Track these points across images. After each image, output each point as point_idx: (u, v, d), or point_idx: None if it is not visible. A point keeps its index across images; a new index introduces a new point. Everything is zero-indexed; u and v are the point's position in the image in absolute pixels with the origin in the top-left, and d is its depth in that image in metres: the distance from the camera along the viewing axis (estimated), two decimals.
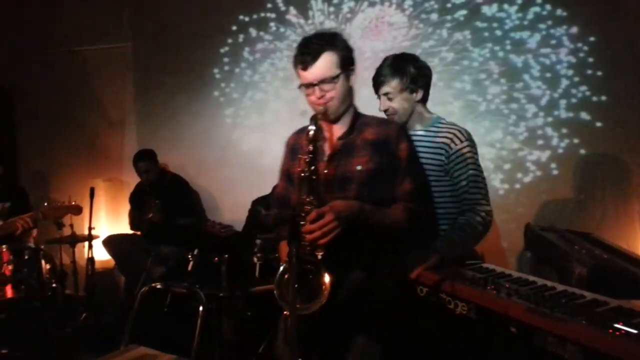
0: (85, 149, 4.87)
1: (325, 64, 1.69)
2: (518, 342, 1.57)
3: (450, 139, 2.07)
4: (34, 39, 4.88)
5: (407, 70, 2.10)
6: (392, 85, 2.11)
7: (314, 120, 1.66)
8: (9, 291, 3.37)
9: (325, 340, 1.66)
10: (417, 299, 1.83)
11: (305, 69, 1.71)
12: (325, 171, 1.74)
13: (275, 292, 1.64)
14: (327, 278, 1.56)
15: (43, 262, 3.74)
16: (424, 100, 2.18)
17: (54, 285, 3.80)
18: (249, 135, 4.35)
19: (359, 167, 1.72)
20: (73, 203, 3.13)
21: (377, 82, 2.16)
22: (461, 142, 2.06)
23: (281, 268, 1.64)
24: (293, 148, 1.90)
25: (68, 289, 4.12)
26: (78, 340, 3.72)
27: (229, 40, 4.36)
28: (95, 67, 4.78)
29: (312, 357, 1.65)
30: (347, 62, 1.73)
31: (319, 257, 1.57)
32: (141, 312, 2.69)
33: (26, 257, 3.67)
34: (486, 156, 3.52)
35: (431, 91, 2.20)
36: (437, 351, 1.85)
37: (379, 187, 1.73)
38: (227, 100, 4.43)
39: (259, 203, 3.69)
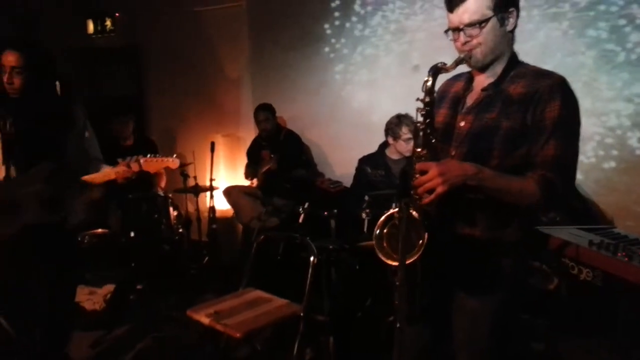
0: (205, 105, 5.16)
1: (473, 5, 1.51)
2: None
3: None
4: (158, 1, 5.19)
5: None
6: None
7: (432, 70, 1.51)
8: None
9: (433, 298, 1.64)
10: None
11: (451, 10, 1.56)
12: (462, 124, 1.62)
13: (374, 243, 1.59)
14: (422, 233, 1.49)
15: (171, 209, 4.13)
16: None
17: (180, 230, 4.19)
18: (359, 91, 4.32)
19: (495, 125, 1.53)
20: None
21: None
22: None
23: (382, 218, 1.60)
24: (440, 96, 1.77)
25: (193, 235, 4.52)
26: (201, 281, 4.09)
27: None
28: (213, 27, 5.00)
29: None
30: (503, 4, 1.53)
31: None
32: (257, 259, 2.87)
33: (157, 204, 4.08)
34: (623, 112, 3.18)
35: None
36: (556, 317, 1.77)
37: (516, 151, 1.52)
38: (337, 56, 4.40)
39: (365, 162, 3.70)
